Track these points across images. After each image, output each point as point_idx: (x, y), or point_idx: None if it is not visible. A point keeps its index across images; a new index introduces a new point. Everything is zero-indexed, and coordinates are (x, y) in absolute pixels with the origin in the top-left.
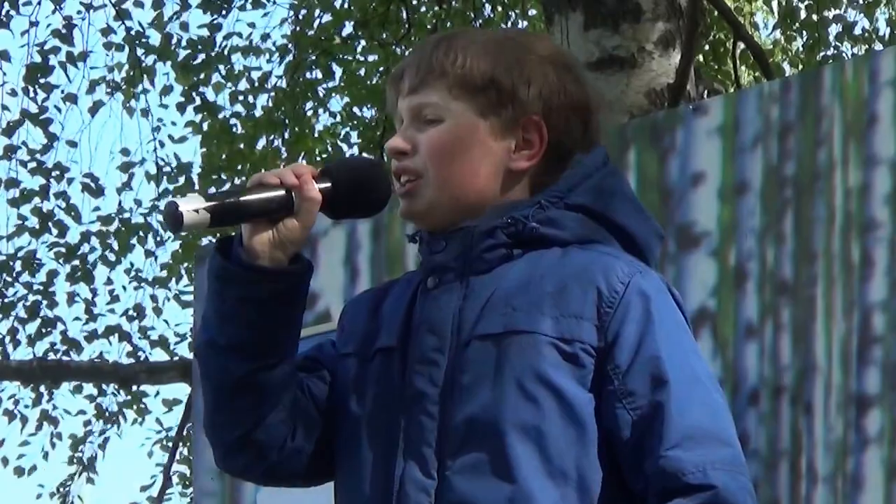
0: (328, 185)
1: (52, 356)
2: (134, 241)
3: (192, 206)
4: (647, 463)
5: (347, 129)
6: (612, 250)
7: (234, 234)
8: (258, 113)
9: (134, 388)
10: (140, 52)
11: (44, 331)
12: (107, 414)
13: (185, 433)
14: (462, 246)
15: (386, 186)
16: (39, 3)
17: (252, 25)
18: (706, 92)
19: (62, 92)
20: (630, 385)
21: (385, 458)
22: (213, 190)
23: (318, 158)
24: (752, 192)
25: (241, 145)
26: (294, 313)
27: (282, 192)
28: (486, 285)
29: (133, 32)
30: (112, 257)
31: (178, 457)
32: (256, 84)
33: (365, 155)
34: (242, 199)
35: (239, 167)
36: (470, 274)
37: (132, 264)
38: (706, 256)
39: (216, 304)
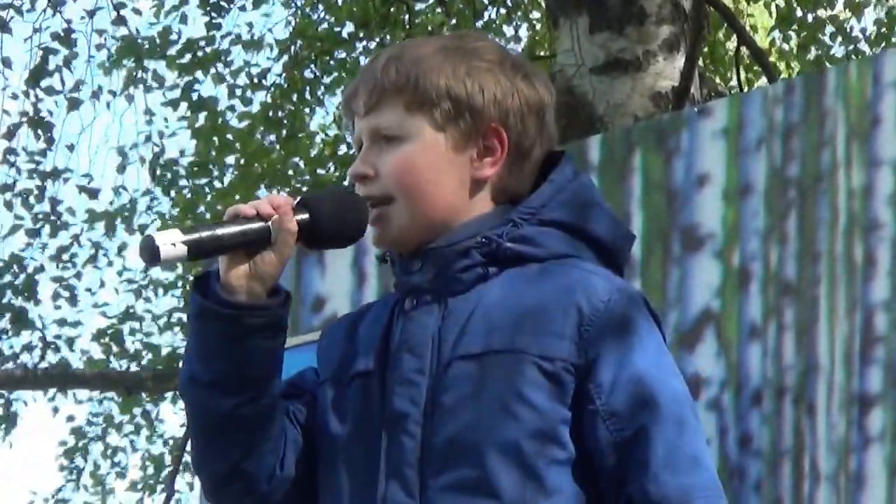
0: (306, 216)
1: (25, 357)
2: (127, 239)
3: (168, 239)
4: (629, 486)
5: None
6: (590, 265)
7: (211, 270)
8: (255, 109)
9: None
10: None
11: (21, 332)
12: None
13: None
14: (437, 267)
15: (364, 216)
16: (44, 10)
17: (250, 25)
18: (710, 94)
19: (65, 97)
20: (612, 406)
21: (367, 480)
22: (190, 223)
23: (312, 155)
24: (756, 194)
25: (236, 142)
26: (275, 344)
27: (258, 224)
28: (465, 305)
29: (132, 32)
30: (103, 261)
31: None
32: (256, 80)
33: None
34: (219, 231)
35: (230, 161)
36: (447, 295)
37: (124, 267)
38: (710, 257)
39: (197, 341)
